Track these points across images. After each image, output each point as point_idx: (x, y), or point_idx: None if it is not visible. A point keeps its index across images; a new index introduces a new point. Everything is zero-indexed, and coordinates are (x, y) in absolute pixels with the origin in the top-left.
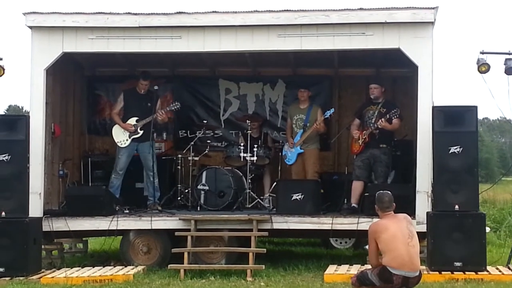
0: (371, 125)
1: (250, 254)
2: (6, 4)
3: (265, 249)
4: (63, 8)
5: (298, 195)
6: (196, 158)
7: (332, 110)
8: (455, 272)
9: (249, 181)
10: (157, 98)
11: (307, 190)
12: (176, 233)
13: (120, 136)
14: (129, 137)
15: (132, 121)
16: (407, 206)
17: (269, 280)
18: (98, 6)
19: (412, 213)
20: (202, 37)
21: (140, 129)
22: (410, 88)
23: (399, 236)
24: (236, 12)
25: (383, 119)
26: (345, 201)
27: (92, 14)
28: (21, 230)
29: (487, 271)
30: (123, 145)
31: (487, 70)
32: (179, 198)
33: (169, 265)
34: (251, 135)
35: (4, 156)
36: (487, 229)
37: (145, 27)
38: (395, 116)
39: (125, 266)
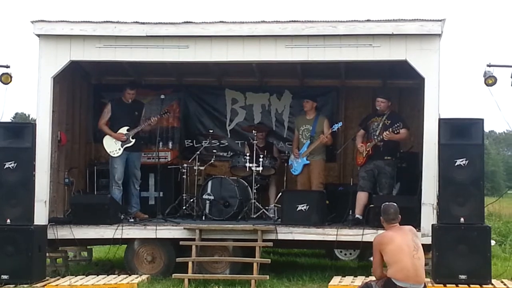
0: (375, 137)
1: (255, 264)
2: (14, 12)
3: (269, 260)
4: (71, 17)
5: (303, 206)
6: (202, 168)
7: (340, 124)
8: (459, 285)
9: (255, 191)
10: (143, 107)
11: (312, 201)
12: (181, 243)
13: (112, 146)
14: (122, 146)
15: (123, 130)
16: (412, 218)
17: None
18: (105, 15)
19: (417, 225)
20: (209, 47)
21: (132, 138)
22: (416, 100)
23: (404, 248)
24: (243, 22)
25: (388, 131)
26: (350, 212)
27: (99, 23)
28: (26, 238)
29: (492, 284)
30: (116, 155)
31: (494, 83)
32: (184, 208)
33: (173, 274)
34: (257, 145)
35: (10, 164)
36: (492, 242)
37: (153, 36)
38: (397, 131)
39: (129, 275)
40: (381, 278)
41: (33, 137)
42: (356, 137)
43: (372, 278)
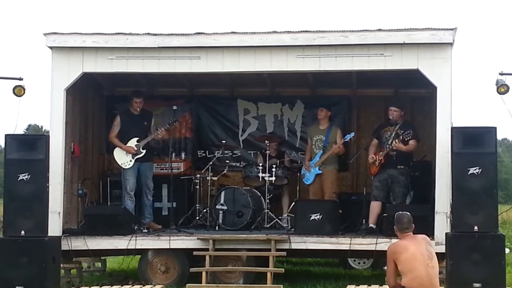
0: (388, 146)
1: (268, 274)
2: (27, 25)
3: (283, 269)
4: (83, 29)
5: (316, 215)
6: (215, 178)
7: (352, 134)
8: None
9: (268, 201)
10: (152, 116)
11: (326, 210)
12: (194, 253)
13: (123, 158)
14: (133, 158)
15: (133, 142)
16: (426, 227)
17: None
18: (117, 27)
19: (431, 234)
20: (221, 58)
21: (142, 149)
22: (428, 108)
23: (418, 257)
24: (254, 33)
25: (397, 140)
26: (364, 222)
27: (112, 35)
28: (40, 249)
29: None
30: (127, 167)
31: (506, 91)
32: (197, 218)
33: (187, 285)
34: (270, 155)
35: (24, 176)
36: (507, 250)
37: (164, 47)
38: (408, 138)
39: (143, 285)
40: (395, 287)
41: (46, 148)
42: (370, 146)
43: (386, 287)
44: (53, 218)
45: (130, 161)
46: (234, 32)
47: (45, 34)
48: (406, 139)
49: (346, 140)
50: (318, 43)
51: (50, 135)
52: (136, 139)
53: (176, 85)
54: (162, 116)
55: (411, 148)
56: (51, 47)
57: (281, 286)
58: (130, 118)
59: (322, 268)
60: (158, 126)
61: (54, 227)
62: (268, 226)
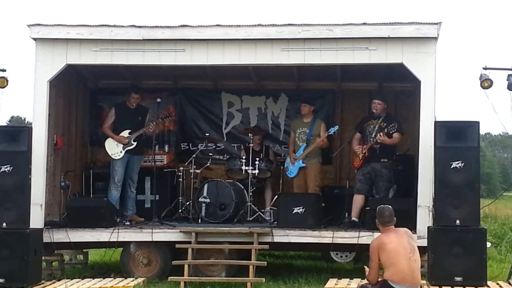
0: (371, 139)
1: (251, 267)
2: (10, 16)
3: (265, 262)
4: (67, 21)
5: (299, 209)
6: (198, 171)
7: (336, 127)
8: (455, 287)
9: (251, 194)
10: (147, 112)
11: (308, 203)
12: (177, 246)
13: (114, 149)
14: (123, 149)
15: (125, 133)
16: (408, 220)
17: None
18: (102, 19)
19: (413, 227)
20: (206, 51)
21: (134, 141)
22: (412, 102)
23: (400, 251)
24: (239, 26)
25: (381, 133)
26: (346, 215)
27: (96, 27)
28: (21, 241)
29: (488, 286)
30: (117, 157)
31: (490, 86)
32: (180, 211)
33: (169, 278)
34: (253, 148)
35: (6, 167)
36: (488, 244)
37: (149, 40)
38: (393, 130)
39: (125, 278)
40: (376, 283)
41: (29, 140)
42: (353, 140)
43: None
44: (35, 210)
45: (121, 152)
46: (219, 25)
47: (29, 26)
48: (391, 132)
49: (330, 133)
50: (303, 36)
51: (33, 127)
52: (128, 131)
53: (160, 78)
54: None
55: (396, 141)
56: (35, 39)
57: (263, 279)
58: (125, 111)
59: (304, 261)
60: (150, 119)
61: (36, 219)
62: (251, 219)
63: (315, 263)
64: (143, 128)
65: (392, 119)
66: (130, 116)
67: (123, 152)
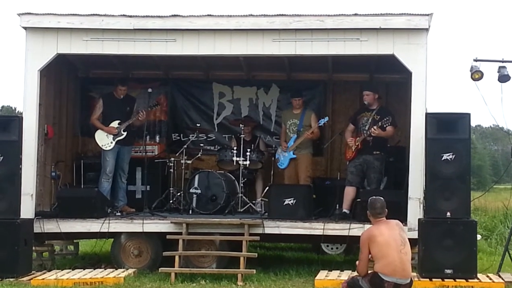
0: (365, 132)
1: (241, 259)
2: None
3: (256, 254)
4: (58, 10)
5: (290, 200)
6: (189, 162)
7: (326, 119)
8: (445, 279)
9: (242, 185)
10: (135, 102)
11: (299, 195)
12: (168, 237)
13: (104, 140)
14: (113, 140)
15: (115, 124)
16: (399, 212)
17: (260, 285)
18: (93, 8)
19: (403, 219)
20: (197, 41)
21: (123, 131)
22: (403, 94)
23: (391, 243)
24: (231, 16)
25: (375, 127)
26: (337, 207)
27: (87, 16)
28: (12, 231)
29: (478, 278)
30: (108, 148)
31: (481, 78)
32: (171, 201)
33: (160, 269)
34: (244, 139)
35: None
36: (478, 237)
37: (140, 29)
38: (387, 124)
39: (116, 269)
40: (366, 275)
41: (19, 130)
42: (346, 132)
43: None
44: (25, 200)
45: (111, 142)
46: (210, 15)
47: (19, 14)
48: (385, 126)
49: (320, 124)
50: (294, 27)
51: (23, 117)
52: (117, 121)
53: (152, 68)
54: (137, 99)
55: (389, 134)
56: (25, 28)
57: (254, 270)
58: (112, 102)
59: (295, 253)
60: (139, 109)
61: (27, 209)
62: (241, 210)
63: (306, 254)
64: (132, 118)
65: (386, 112)
66: (118, 106)
67: (114, 142)
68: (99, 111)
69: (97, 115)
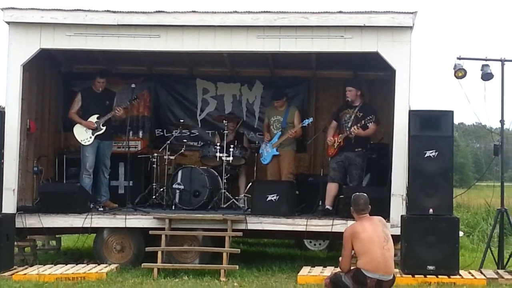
0: (347, 129)
1: (224, 254)
2: None
3: (239, 250)
4: (41, 5)
5: (273, 196)
6: (172, 157)
7: (311, 119)
8: (428, 276)
9: (225, 181)
10: (114, 96)
11: (282, 191)
12: (150, 232)
13: (83, 135)
14: (92, 134)
15: (94, 118)
16: (381, 209)
17: (243, 281)
18: (76, 3)
19: (386, 216)
20: (181, 37)
21: (102, 125)
22: (387, 91)
23: (374, 239)
24: (215, 12)
25: (356, 126)
26: (320, 203)
27: (70, 11)
28: None
29: (460, 275)
30: (87, 143)
31: (464, 76)
32: (154, 197)
33: (142, 264)
34: (227, 135)
35: None
36: (461, 234)
37: (124, 25)
38: (370, 123)
39: (98, 264)
40: (349, 271)
41: (1, 125)
42: (328, 129)
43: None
44: (7, 195)
45: (90, 137)
46: (194, 11)
47: (2, 9)
48: (367, 124)
49: (304, 125)
50: (279, 23)
51: (5, 111)
52: (96, 115)
53: (135, 63)
54: (120, 94)
55: (371, 132)
56: (8, 22)
57: (237, 266)
58: (91, 96)
59: (278, 249)
60: (117, 103)
61: (8, 204)
62: (224, 206)
63: (289, 250)
64: (111, 112)
65: (368, 109)
66: (97, 100)
67: (93, 137)
68: (78, 105)
69: (75, 109)
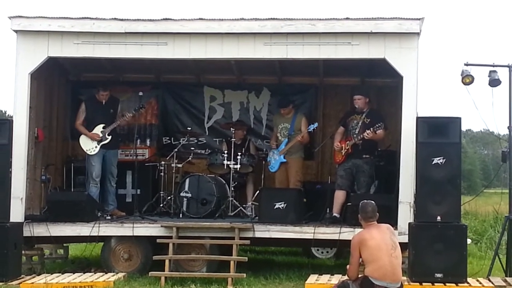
0: (355, 136)
1: (232, 263)
2: None
3: (246, 258)
4: (49, 13)
5: (280, 204)
6: (180, 165)
7: (316, 125)
8: (435, 284)
9: (232, 189)
10: (118, 103)
11: (290, 199)
12: (158, 240)
13: (89, 145)
14: (98, 144)
15: (99, 128)
16: (389, 216)
17: None
18: (84, 11)
19: (394, 223)
20: (188, 44)
21: (108, 135)
22: (394, 98)
23: (382, 246)
24: (222, 20)
25: (369, 131)
26: (328, 211)
27: (78, 19)
28: (1, 235)
29: (468, 283)
30: (93, 153)
31: (471, 82)
32: (161, 205)
33: (150, 272)
34: (235, 143)
35: None
36: (468, 241)
37: (131, 33)
38: (379, 129)
39: (106, 273)
40: (357, 279)
41: (9, 133)
42: (335, 134)
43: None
44: (15, 204)
45: (96, 147)
46: (201, 19)
47: (10, 18)
48: (376, 132)
49: (309, 130)
50: (286, 31)
51: (13, 120)
52: (102, 125)
53: (143, 71)
54: (128, 102)
55: (381, 136)
56: (16, 31)
57: (244, 274)
58: (96, 105)
59: (285, 257)
60: (124, 112)
61: (16, 213)
62: (232, 214)
63: (296, 258)
64: (117, 122)
65: (376, 115)
66: (102, 110)
67: (98, 147)
68: (83, 115)
69: (80, 120)
